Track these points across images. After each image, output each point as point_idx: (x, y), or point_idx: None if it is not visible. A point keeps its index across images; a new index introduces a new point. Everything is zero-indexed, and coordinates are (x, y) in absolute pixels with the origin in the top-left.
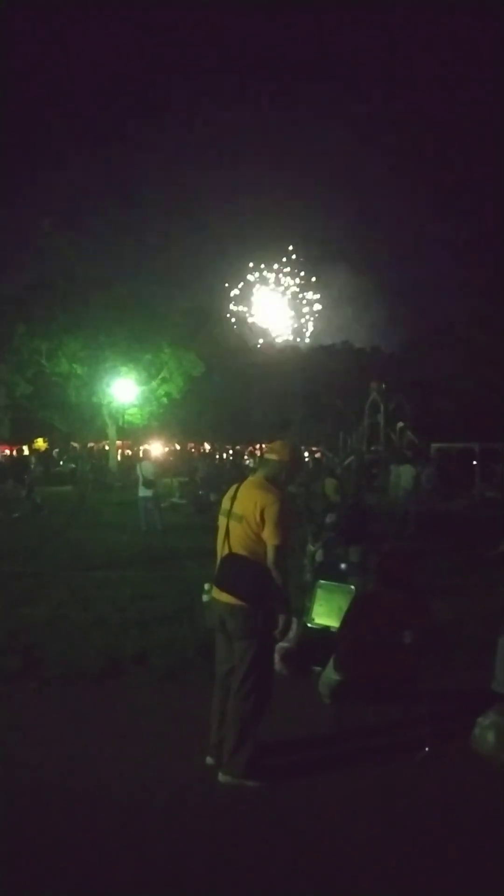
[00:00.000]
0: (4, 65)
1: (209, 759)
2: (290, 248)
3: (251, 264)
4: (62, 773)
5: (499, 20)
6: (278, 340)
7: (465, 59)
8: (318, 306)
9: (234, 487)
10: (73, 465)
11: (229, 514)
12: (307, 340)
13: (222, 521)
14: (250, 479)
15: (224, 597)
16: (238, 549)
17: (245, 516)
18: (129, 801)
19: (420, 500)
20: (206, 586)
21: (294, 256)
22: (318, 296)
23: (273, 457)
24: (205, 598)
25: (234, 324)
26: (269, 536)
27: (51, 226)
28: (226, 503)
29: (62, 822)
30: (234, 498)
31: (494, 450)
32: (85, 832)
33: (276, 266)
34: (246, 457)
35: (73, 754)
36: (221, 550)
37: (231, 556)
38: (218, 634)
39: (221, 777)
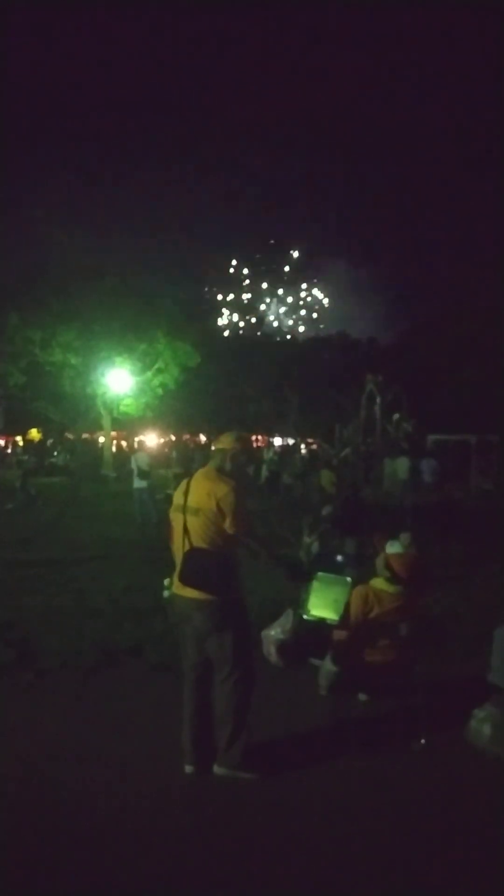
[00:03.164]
0: (6, 56)
1: (188, 768)
2: (290, 239)
3: (250, 255)
4: (56, 765)
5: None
6: (275, 331)
7: (462, 57)
8: (315, 298)
9: (184, 482)
10: (66, 457)
11: (184, 508)
12: (304, 331)
13: (178, 517)
14: (200, 471)
15: (189, 592)
16: (199, 542)
17: (201, 508)
18: (125, 792)
19: (419, 492)
20: (166, 582)
21: (293, 249)
22: (315, 287)
23: (219, 446)
24: (165, 594)
25: (230, 314)
26: (231, 526)
27: (44, 214)
28: (178, 498)
29: (57, 814)
30: (186, 492)
31: (490, 441)
32: (80, 824)
33: (275, 257)
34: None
35: (68, 746)
36: (182, 547)
37: (194, 551)
38: (183, 630)
39: (217, 769)
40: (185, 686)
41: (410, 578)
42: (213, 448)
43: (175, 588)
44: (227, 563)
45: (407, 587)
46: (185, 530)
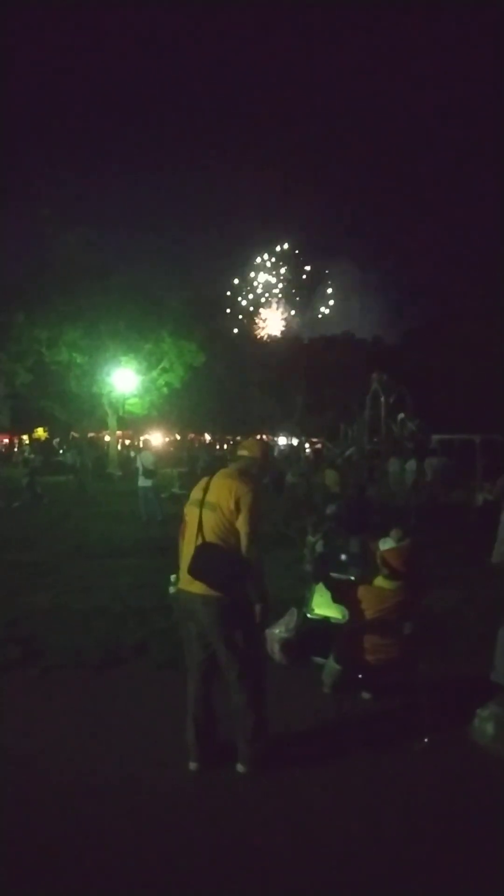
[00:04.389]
0: (9, 53)
1: (193, 765)
2: (294, 239)
3: (254, 255)
4: (62, 762)
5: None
6: (280, 331)
7: (463, 59)
8: (320, 297)
9: (205, 479)
10: (73, 454)
11: (202, 503)
12: (309, 331)
13: (193, 511)
14: (223, 470)
15: (196, 587)
16: (212, 537)
17: (219, 504)
18: (130, 789)
19: (432, 493)
20: (173, 578)
21: (298, 249)
22: (320, 287)
23: (245, 452)
24: (171, 589)
25: (235, 314)
26: (242, 524)
27: (51, 213)
28: (197, 494)
29: (62, 812)
30: (205, 489)
31: (495, 441)
32: (85, 821)
33: (279, 257)
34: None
35: (74, 743)
36: (195, 540)
37: (205, 546)
38: (187, 627)
39: (240, 767)
40: (189, 683)
41: (408, 570)
42: (238, 452)
43: (182, 583)
44: (237, 561)
45: (406, 580)
46: (200, 525)
